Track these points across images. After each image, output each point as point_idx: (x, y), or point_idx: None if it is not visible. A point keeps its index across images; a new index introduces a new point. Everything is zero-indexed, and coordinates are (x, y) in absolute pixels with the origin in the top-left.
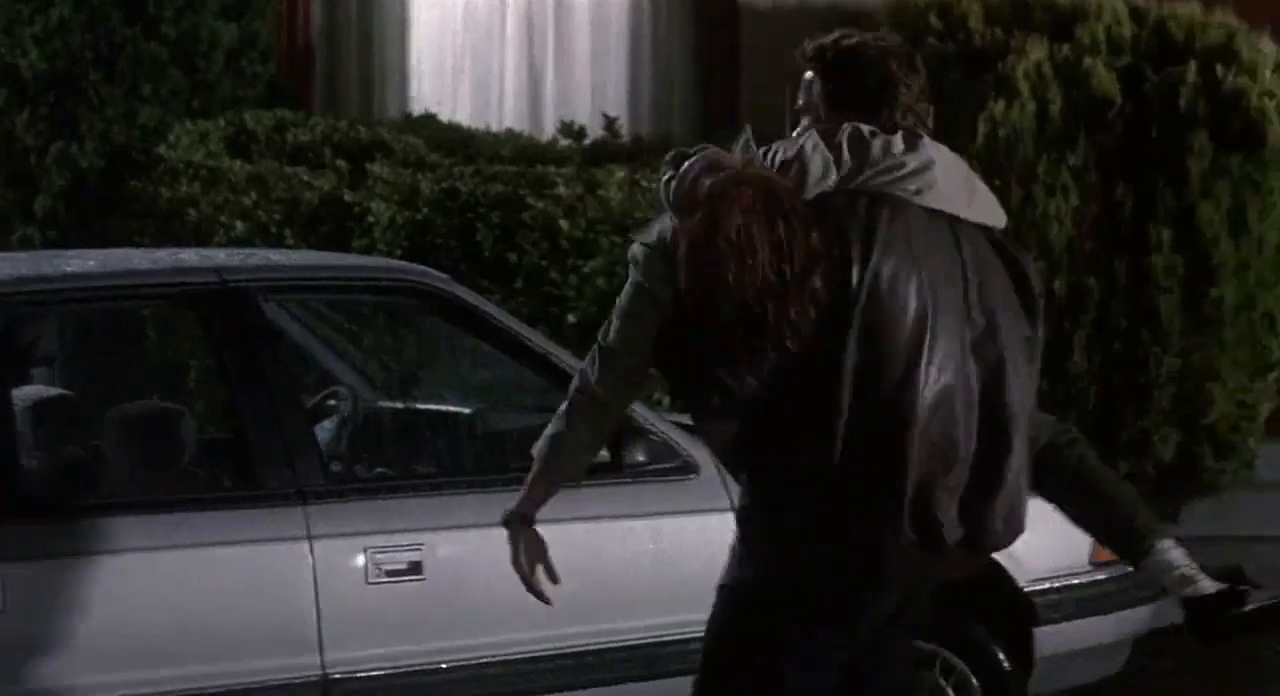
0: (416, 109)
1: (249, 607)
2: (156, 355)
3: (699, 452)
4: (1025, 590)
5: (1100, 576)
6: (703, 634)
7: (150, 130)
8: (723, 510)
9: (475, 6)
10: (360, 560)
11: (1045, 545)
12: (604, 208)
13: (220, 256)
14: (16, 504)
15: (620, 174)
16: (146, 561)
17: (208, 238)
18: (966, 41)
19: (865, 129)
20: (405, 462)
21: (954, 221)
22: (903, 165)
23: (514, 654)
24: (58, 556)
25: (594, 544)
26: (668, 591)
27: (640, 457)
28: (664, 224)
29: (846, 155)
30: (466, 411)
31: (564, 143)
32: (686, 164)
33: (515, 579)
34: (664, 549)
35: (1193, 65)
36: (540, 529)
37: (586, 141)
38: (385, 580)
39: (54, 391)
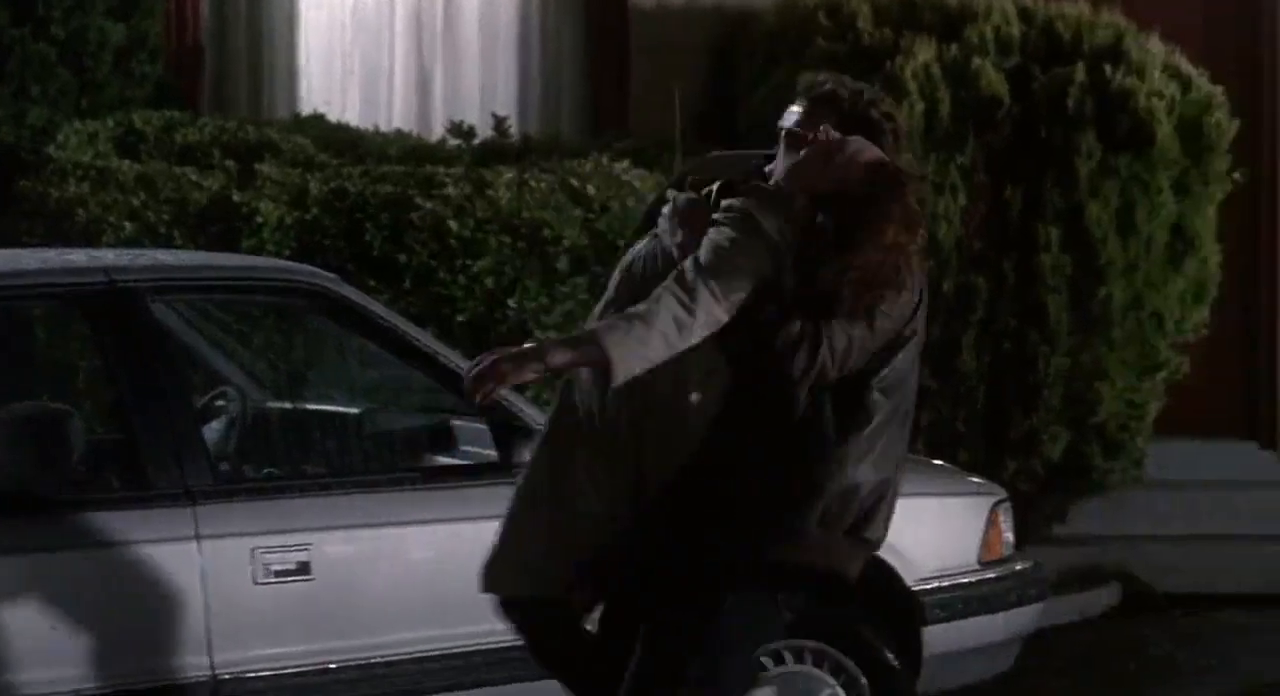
0: (305, 109)
1: (138, 608)
2: (45, 355)
3: None
4: (913, 589)
5: (989, 575)
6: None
7: (39, 130)
8: None
9: (364, 6)
10: (249, 560)
11: (933, 544)
12: (493, 207)
13: (109, 257)
14: None
15: (509, 174)
16: (34, 562)
17: (96, 238)
18: (855, 41)
19: None
20: (294, 463)
21: None
22: None
23: (402, 654)
24: None
25: (482, 543)
26: None
27: (528, 457)
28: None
29: None
30: (355, 411)
31: (453, 142)
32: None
33: (404, 580)
34: None
35: (1081, 65)
36: (428, 529)
37: (475, 141)
38: (274, 580)
39: None
